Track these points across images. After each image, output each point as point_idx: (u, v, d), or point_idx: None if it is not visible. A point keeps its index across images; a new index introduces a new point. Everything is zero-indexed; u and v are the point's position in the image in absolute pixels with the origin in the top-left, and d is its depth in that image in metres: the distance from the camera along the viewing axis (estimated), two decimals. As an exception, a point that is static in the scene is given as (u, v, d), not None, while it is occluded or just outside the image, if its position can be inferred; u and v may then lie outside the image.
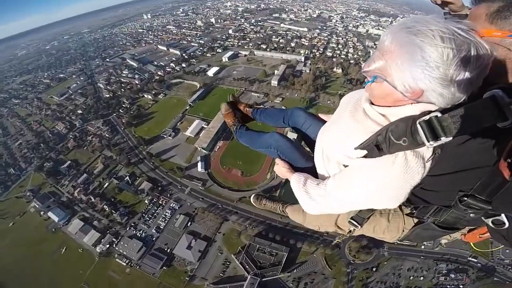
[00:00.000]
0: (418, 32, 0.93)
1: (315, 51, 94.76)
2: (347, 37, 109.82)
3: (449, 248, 38.94)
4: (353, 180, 1.25)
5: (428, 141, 0.91)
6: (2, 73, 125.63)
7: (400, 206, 1.68)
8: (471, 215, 1.15)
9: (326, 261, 39.42)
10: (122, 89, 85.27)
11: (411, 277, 37.57)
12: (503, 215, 1.09)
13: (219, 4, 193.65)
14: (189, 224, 45.63)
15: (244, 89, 75.28)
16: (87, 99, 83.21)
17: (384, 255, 39.94)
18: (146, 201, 49.93)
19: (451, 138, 0.87)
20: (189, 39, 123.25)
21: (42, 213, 49.57)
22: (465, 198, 1.07)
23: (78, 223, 47.42)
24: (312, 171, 1.74)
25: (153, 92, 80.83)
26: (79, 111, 77.17)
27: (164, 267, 41.03)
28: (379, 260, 39.59)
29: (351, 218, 1.75)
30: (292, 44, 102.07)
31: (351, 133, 1.27)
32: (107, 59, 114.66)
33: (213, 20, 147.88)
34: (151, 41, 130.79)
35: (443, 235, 1.51)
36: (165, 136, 63.76)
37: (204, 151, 57.34)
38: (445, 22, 0.94)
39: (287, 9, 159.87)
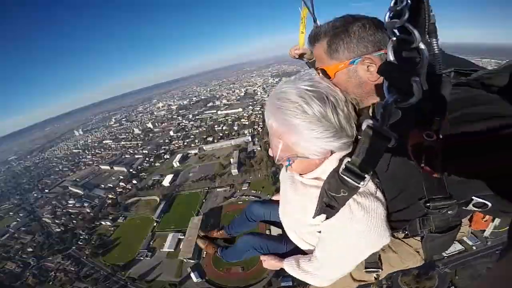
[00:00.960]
0: (285, 111, 1.07)
1: (257, 126, 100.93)
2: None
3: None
4: (334, 243, 1.28)
5: (359, 184, 0.96)
6: None
7: (393, 235, 1.65)
8: (449, 212, 1.16)
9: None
10: (73, 221, 74.67)
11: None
12: (475, 198, 1.07)
13: (150, 106, 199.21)
14: None
15: (207, 188, 72.45)
16: (34, 236, 70.66)
17: (446, 272, 36.15)
18: None
19: (371, 174, 0.95)
20: (131, 152, 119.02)
21: None
22: (428, 204, 1.10)
23: None
24: (298, 250, 1.73)
25: (111, 218, 72.14)
26: (30, 249, 65.00)
27: None
28: (445, 278, 35.57)
29: (365, 268, 1.70)
30: (235, 128, 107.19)
31: (304, 207, 1.33)
32: (46, 190, 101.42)
33: (150, 125, 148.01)
34: (90, 162, 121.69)
35: (454, 238, 1.44)
36: (142, 258, 56.05)
37: (191, 261, 51.12)
38: (296, 85, 1.11)
39: (217, 96, 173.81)
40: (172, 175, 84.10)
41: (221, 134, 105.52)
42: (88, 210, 78.30)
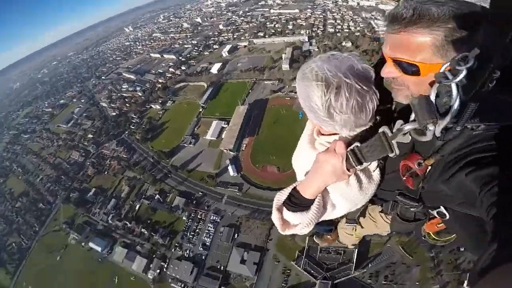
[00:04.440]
0: (308, 95, 1.08)
1: (316, 29, 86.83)
2: (341, 12, 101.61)
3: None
4: (329, 196, 1.36)
5: (356, 166, 1.06)
6: (4, 108, 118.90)
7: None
8: (411, 209, 1.33)
9: (404, 249, 33.12)
10: (127, 104, 78.23)
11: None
12: (442, 207, 1.26)
13: (199, 4, 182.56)
14: (236, 236, 39.61)
15: (255, 79, 67.97)
16: (94, 121, 76.58)
17: None
18: (184, 218, 43.83)
19: (370, 163, 1.04)
20: (181, 42, 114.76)
21: (83, 244, 45.43)
22: (398, 197, 1.30)
23: (122, 250, 42.36)
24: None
25: (160, 101, 73.69)
26: (90, 136, 70.88)
27: (222, 287, 35.22)
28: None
29: (346, 222, 2.25)
30: (290, 27, 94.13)
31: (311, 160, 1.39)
32: (103, 77, 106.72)
33: (199, 19, 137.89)
34: (141, 51, 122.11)
35: (417, 226, 1.68)
36: (185, 145, 57.01)
37: (231, 152, 50.71)
38: (324, 64, 1.05)
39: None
40: (221, 63, 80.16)
41: (273, 31, 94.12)
42: (140, 94, 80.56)
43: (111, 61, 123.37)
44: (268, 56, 75.74)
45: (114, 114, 76.10)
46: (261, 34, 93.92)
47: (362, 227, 2.23)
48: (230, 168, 47.55)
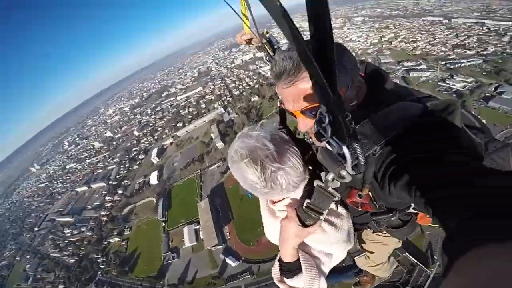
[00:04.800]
0: (245, 175, 1.12)
1: (225, 97, 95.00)
2: (234, 73, 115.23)
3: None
4: (316, 250, 1.43)
5: (319, 217, 1.13)
6: None
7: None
8: (392, 218, 1.39)
9: None
10: (81, 248, 66.94)
11: None
12: (411, 206, 1.33)
13: (100, 117, 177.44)
14: None
15: (199, 171, 67.25)
16: (55, 273, 63.43)
17: None
18: None
19: (327, 210, 1.11)
20: (102, 165, 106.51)
21: None
22: (372, 217, 1.41)
23: None
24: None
25: (116, 233, 65.41)
26: (61, 286, 58.59)
27: None
28: None
29: (355, 257, 2.46)
30: (203, 105, 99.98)
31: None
32: (35, 229, 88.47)
33: (109, 133, 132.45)
34: (64, 189, 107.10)
35: (412, 231, 1.67)
36: (170, 261, 51.64)
37: (219, 247, 47.96)
38: (250, 144, 1.11)
39: (169, 84, 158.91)
40: (157, 171, 76.71)
41: (190, 116, 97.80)
42: (89, 233, 70.83)
43: (35, 209, 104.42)
44: (199, 142, 77.28)
45: (73, 260, 63.98)
46: (180, 124, 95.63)
47: (371, 251, 2.25)
48: (228, 260, 44.81)
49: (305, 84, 0.99)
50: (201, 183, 64.43)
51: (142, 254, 57.57)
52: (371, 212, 1.31)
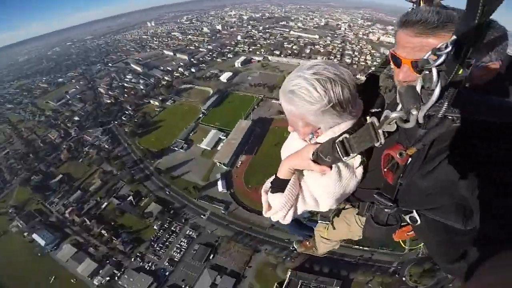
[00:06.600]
0: (297, 96, 1.14)
1: (333, 57, 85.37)
2: (360, 44, 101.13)
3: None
4: (308, 185, 1.42)
5: (343, 157, 1.11)
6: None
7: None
8: (385, 210, 1.34)
9: (385, 292, 29.00)
10: (125, 95, 74.69)
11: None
12: (414, 212, 1.27)
13: (223, 13, 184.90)
14: (211, 257, 35.41)
15: (263, 96, 64.99)
16: (85, 104, 72.39)
17: (447, 277, 29.59)
18: (155, 227, 39.58)
19: (356, 154, 1.07)
20: (197, 45, 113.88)
21: (25, 234, 39.75)
22: (375, 195, 1.28)
23: (70, 249, 37.42)
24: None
25: (160, 98, 70.30)
26: (76, 118, 66.56)
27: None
28: (443, 283, 30.01)
29: (320, 220, 2.20)
30: (307, 51, 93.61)
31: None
32: (110, 64, 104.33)
33: (219, 27, 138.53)
34: (156, 47, 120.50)
35: (388, 233, 1.63)
36: (176, 148, 52.75)
37: (224, 167, 46.52)
38: (302, 74, 1.13)
39: (292, 18, 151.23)
40: (231, 73, 77.75)
41: (289, 52, 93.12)
42: (142, 87, 77.50)
43: (124, 51, 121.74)
44: (281, 75, 73.50)
45: (108, 101, 72.84)
46: (277, 52, 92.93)
47: (334, 228, 2.20)
48: (219, 183, 43.67)
49: (434, 41, 0.94)
50: (256, 106, 62.73)
51: (163, 127, 60.01)
52: (377, 191, 1.26)
